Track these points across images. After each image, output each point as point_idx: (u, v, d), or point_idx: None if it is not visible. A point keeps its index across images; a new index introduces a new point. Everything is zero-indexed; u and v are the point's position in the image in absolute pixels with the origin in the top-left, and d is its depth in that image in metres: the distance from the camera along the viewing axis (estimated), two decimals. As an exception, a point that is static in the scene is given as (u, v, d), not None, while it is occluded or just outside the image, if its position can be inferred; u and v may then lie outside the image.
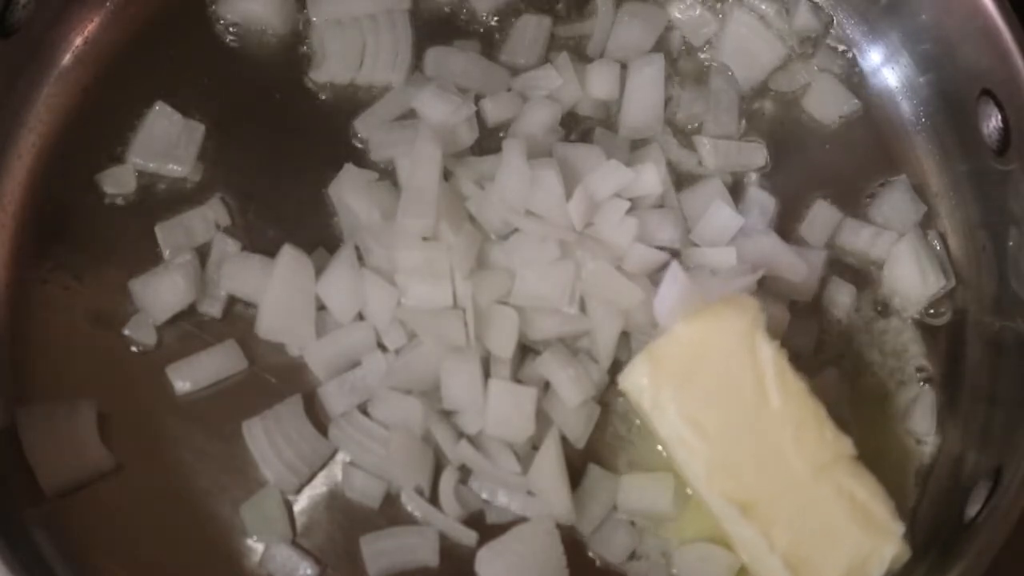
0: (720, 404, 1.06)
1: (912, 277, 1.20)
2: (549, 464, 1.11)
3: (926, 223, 1.24)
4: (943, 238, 1.24)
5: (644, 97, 1.26)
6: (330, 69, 1.25)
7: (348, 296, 1.15)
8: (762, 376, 1.05)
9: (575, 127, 1.26)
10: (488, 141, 1.23)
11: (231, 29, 1.27)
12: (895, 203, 1.24)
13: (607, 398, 1.16)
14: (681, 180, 1.24)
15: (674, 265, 1.10)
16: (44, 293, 1.17)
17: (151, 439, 1.14)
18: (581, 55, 1.28)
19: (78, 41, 1.24)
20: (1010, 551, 1.02)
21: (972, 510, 1.08)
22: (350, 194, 1.19)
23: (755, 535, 1.04)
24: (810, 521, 1.04)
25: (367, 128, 1.23)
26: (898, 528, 1.04)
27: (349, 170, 1.20)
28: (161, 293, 1.16)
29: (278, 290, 1.15)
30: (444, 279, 1.13)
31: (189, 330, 1.17)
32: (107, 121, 1.23)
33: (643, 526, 1.13)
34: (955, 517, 1.10)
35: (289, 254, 1.16)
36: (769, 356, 1.05)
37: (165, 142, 1.21)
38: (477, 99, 1.23)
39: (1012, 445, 1.07)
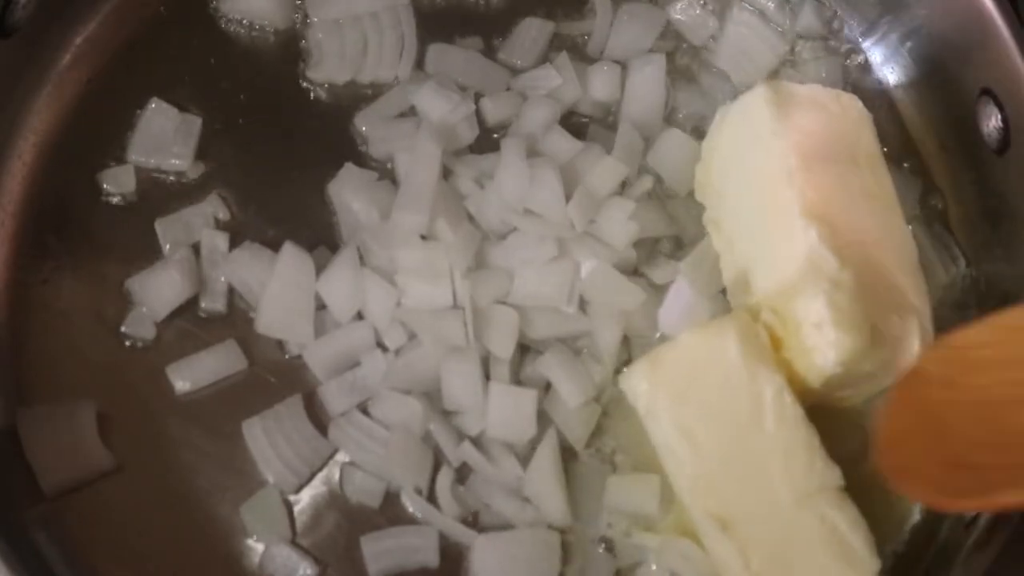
0: (714, 419, 1.06)
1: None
2: (546, 468, 1.11)
3: (927, 222, 1.24)
4: (939, 237, 1.24)
5: (644, 96, 1.26)
6: (327, 68, 1.25)
7: (348, 295, 1.15)
8: (759, 397, 1.05)
9: (574, 126, 1.25)
10: (487, 142, 1.23)
11: (232, 27, 1.27)
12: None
13: (607, 399, 1.16)
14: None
15: (679, 282, 1.10)
16: (44, 293, 1.17)
17: (151, 439, 1.14)
18: (581, 55, 1.28)
19: (78, 41, 1.24)
20: (1010, 552, 1.02)
21: (972, 510, 1.08)
22: (350, 193, 1.19)
23: (732, 552, 1.04)
24: (788, 546, 1.03)
25: (368, 124, 1.23)
26: (874, 564, 1.03)
27: (349, 169, 1.20)
28: (159, 289, 1.16)
29: (278, 287, 1.16)
30: (443, 279, 1.13)
31: (188, 329, 1.17)
32: (107, 121, 1.23)
33: (629, 530, 1.12)
34: (955, 517, 1.10)
35: (290, 251, 1.16)
36: (768, 377, 1.05)
37: (163, 137, 1.22)
38: (477, 98, 1.23)
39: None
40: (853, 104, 1.15)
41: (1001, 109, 1.13)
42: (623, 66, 1.27)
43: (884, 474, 0.99)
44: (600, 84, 1.26)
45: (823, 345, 1.04)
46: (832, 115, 1.13)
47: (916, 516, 1.15)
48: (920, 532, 1.14)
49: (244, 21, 1.27)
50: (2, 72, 1.18)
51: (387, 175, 1.21)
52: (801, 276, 1.05)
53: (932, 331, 1.10)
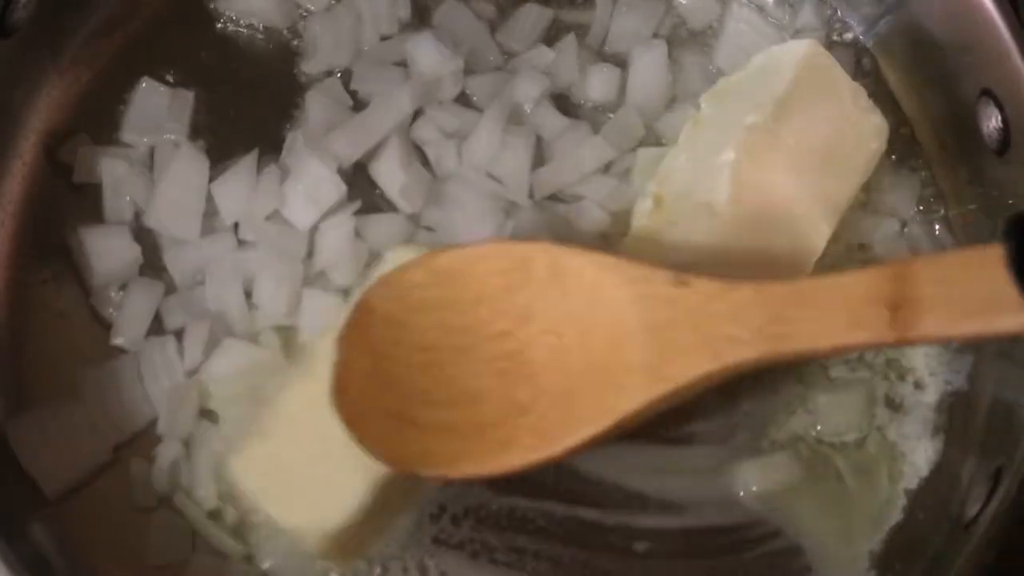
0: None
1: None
2: None
3: (927, 223, 1.24)
4: (939, 240, 1.24)
5: (647, 82, 1.26)
6: (322, 59, 1.25)
7: (238, 199, 1.17)
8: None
9: (567, 110, 1.25)
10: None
11: (233, 27, 1.27)
12: (893, 188, 1.24)
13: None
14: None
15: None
16: (44, 293, 1.18)
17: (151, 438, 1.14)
18: (582, 44, 1.28)
19: (78, 41, 1.24)
20: (1010, 552, 1.02)
21: (971, 511, 1.08)
22: (312, 98, 1.21)
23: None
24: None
25: (358, 66, 1.24)
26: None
27: (330, 84, 1.23)
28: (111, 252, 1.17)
29: (171, 183, 1.17)
30: (321, 211, 1.16)
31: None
32: (107, 121, 1.23)
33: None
34: (954, 518, 1.10)
35: (187, 152, 1.18)
36: None
37: (156, 115, 1.22)
38: (466, 73, 1.24)
39: (1012, 445, 1.07)
40: (876, 126, 1.15)
41: (1001, 110, 1.12)
42: (625, 58, 1.27)
43: (343, 421, 0.95)
44: (598, 84, 1.26)
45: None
46: (847, 113, 1.14)
47: (899, 515, 1.15)
48: (902, 532, 1.14)
49: (244, 21, 1.27)
50: (2, 72, 1.18)
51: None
52: (697, 186, 1.10)
53: None
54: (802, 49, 1.14)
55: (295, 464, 1.03)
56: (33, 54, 1.21)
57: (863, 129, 1.15)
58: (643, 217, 1.15)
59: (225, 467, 1.08)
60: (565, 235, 1.18)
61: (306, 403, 1.04)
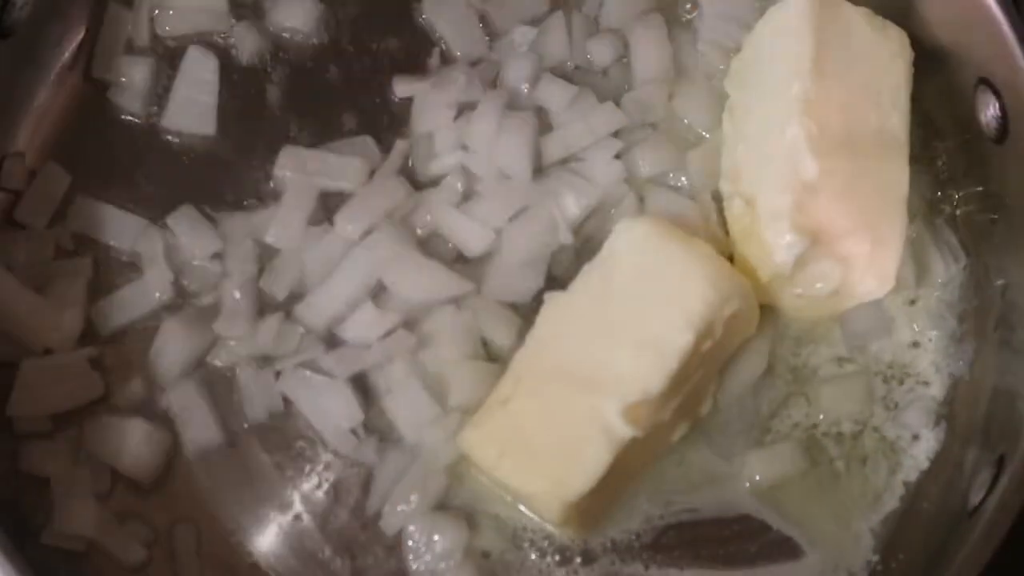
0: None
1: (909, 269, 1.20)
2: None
3: (928, 216, 1.24)
4: (940, 231, 1.24)
5: (652, 59, 1.26)
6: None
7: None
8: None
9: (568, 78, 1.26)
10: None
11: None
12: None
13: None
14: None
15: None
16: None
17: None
18: (577, 18, 1.28)
19: (77, 41, 1.24)
20: (1013, 541, 1.02)
21: (975, 499, 1.08)
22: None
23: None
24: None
25: None
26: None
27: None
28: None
29: (184, 85, 1.22)
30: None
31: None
32: (107, 122, 1.23)
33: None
34: (958, 506, 1.10)
35: (193, 55, 1.22)
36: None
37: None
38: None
39: (1014, 434, 1.07)
40: (897, 37, 1.17)
41: (999, 98, 1.13)
42: (623, 34, 1.27)
43: None
44: (598, 51, 1.26)
45: (777, 241, 1.09)
46: (868, 39, 1.15)
47: (896, 502, 1.16)
48: (905, 521, 1.15)
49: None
50: (1, 72, 1.18)
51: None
52: (777, 171, 1.11)
53: (893, 273, 1.12)
54: (806, 2, 1.14)
55: (534, 431, 1.05)
56: (32, 54, 1.21)
57: (888, 45, 1.16)
58: (741, 219, 1.15)
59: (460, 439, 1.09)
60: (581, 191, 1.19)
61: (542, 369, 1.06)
